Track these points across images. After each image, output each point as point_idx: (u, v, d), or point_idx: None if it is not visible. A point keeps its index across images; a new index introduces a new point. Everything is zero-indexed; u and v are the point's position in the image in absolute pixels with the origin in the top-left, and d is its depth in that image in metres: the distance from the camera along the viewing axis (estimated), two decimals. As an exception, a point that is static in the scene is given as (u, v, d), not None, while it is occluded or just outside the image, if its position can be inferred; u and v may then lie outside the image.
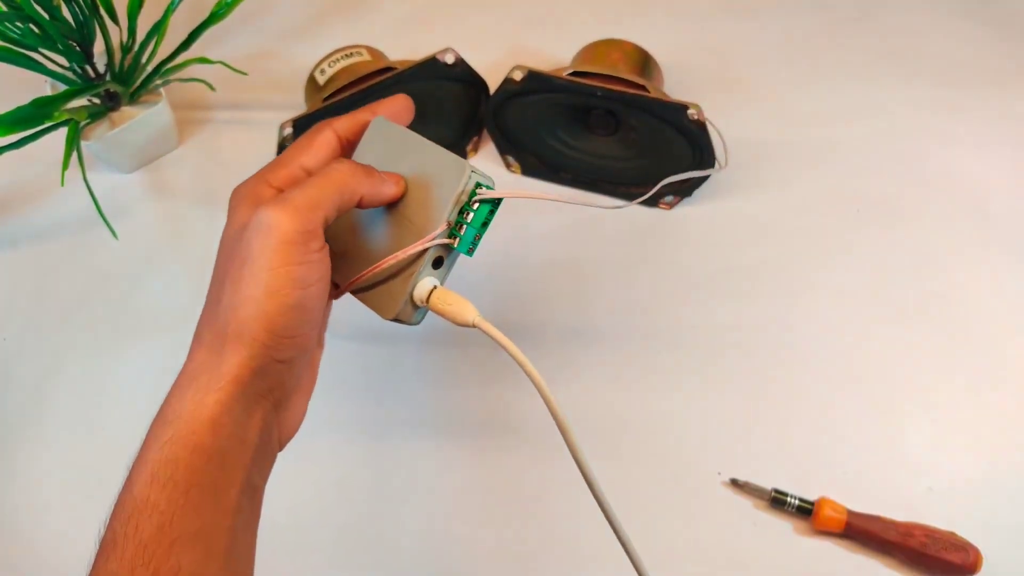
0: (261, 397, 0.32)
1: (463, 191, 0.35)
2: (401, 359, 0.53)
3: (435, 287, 0.36)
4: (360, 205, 0.35)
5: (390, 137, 0.37)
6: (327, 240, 0.34)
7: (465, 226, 0.35)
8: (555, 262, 0.57)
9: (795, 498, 0.46)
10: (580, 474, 0.34)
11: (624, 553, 0.36)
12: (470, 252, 0.36)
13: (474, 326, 0.35)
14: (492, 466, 0.49)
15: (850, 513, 0.45)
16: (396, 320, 0.37)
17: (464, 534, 0.46)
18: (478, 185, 0.35)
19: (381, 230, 0.37)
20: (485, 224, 0.36)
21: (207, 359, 0.31)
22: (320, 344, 0.38)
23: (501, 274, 0.57)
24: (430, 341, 0.53)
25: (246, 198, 0.35)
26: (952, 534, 0.44)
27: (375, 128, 0.38)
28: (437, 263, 0.36)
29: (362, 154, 0.38)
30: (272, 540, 0.36)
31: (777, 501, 0.46)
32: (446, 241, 0.35)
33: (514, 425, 0.50)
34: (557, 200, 0.38)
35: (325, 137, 0.37)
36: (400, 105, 0.39)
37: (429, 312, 0.37)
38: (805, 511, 0.45)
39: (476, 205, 0.35)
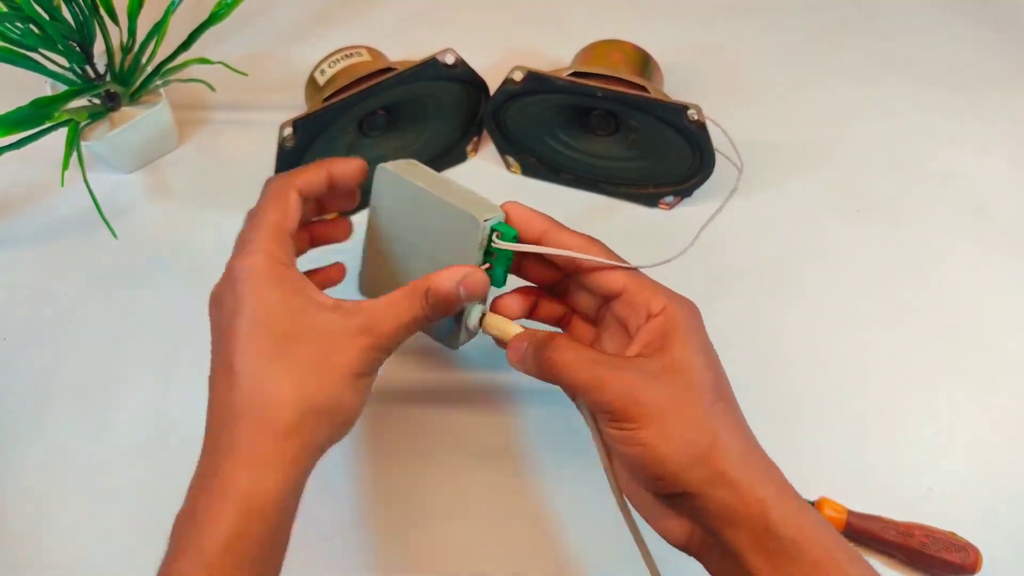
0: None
1: (482, 239, 0.38)
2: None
3: (484, 313, 0.40)
4: None
5: (399, 191, 0.40)
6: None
7: (493, 264, 0.39)
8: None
9: (795, 498, 0.46)
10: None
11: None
12: (503, 283, 0.40)
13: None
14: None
15: (850, 513, 0.45)
16: (450, 346, 0.42)
17: (462, 538, 0.46)
18: (493, 229, 0.38)
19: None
20: (510, 259, 0.39)
21: (276, 438, 0.33)
22: None
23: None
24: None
25: (267, 276, 0.35)
26: (952, 534, 0.44)
27: (381, 179, 0.41)
28: None
29: (375, 207, 0.42)
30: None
31: (777, 501, 0.46)
32: None
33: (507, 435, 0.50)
34: (569, 256, 0.38)
35: (294, 200, 0.38)
36: (354, 166, 0.41)
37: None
38: (805, 511, 0.45)
39: (497, 236, 0.38)
